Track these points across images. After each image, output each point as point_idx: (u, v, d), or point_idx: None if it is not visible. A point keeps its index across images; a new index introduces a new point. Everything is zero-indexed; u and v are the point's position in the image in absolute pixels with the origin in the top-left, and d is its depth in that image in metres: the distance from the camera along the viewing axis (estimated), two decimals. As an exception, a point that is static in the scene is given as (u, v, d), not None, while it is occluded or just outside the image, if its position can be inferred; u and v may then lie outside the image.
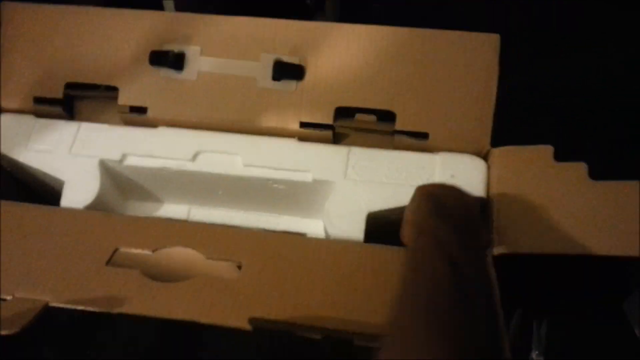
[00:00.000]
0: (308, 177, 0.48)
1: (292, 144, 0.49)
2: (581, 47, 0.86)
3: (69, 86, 0.52)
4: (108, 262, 0.41)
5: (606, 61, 0.85)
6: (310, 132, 0.50)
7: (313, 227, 0.53)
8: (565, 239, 0.45)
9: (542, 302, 0.58)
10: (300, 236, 0.47)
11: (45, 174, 0.50)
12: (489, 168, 0.48)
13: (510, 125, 0.51)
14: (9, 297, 0.39)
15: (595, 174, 0.47)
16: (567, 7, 0.91)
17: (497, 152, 0.48)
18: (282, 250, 0.43)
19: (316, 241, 0.45)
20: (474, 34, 0.51)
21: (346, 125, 0.51)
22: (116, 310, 0.38)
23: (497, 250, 0.43)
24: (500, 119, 0.50)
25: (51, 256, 0.42)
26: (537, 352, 0.56)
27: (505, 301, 0.40)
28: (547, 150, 0.47)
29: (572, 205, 0.46)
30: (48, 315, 0.38)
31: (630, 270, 0.59)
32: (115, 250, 0.42)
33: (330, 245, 0.44)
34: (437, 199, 0.38)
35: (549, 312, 0.58)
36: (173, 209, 0.55)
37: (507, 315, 0.50)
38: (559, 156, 0.47)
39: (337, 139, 0.52)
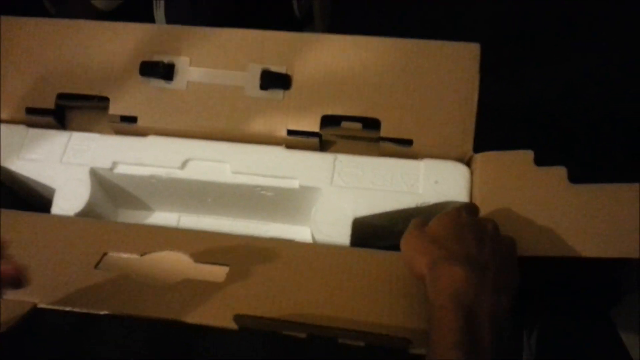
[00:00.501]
0: (295, 184, 0.49)
1: (279, 152, 0.50)
2: (560, 55, 0.88)
3: (61, 97, 0.53)
4: (97, 266, 0.42)
5: (584, 69, 0.87)
6: (298, 139, 0.52)
7: (301, 234, 0.54)
8: (547, 242, 0.46)
9: (532, 311, 0.59)
10: (288, 241, 0.48)
11: (36, 183, 0.51)
12: (471, 173, 0.49)
13: (492, 131, 0.52)
14: None
15: (575, 178, 0.48)
16: (546, 17, 0.93)
17: (479, 157, 0.49)
18: (270, 254, 0.43)
19: (303, 245, 0.46)
20: (455, 44, 0.52)
21: (332, 132, 0.52)
22: (104, 311, 0.38)
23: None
24: (482, 126, 0.51)
25: (40, 260, 0.43)
26: (528, 361, 0.56)
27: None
28: (528, 155, 0.49)
29: (552, 208, 0.47)
30: (37, 318, 0.38)
31: (618, 277, 0.60)
32: (104, 254, 0.43)
33: (316, 249, 0.45)
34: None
35: (539, 320, 0.58)
36: (163, 217, 0.56)
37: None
38: (540, 161, 0.48)
39: (323, 147, 0.53)
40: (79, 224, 0.47)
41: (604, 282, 0.59)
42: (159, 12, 1.00)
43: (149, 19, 1.01)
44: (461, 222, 0.39)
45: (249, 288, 0.41)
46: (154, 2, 1.00)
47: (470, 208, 0.42)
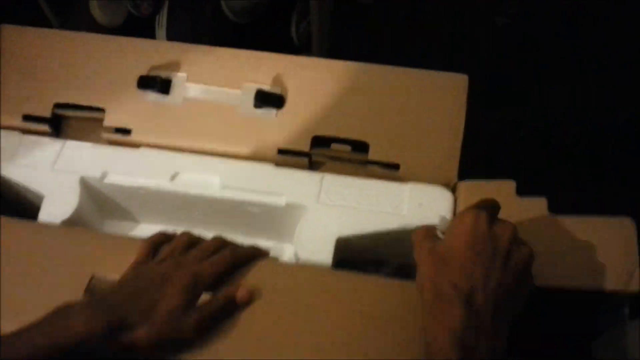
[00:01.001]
0: (282, 201, 0.50)
1: (268, 168, 0.51)
2: (545, 86, 0.91)
3: (58, 106, 0.54)
4: (85, 291, 0.43)
5: (569, 100, 0.89)
6: (288, 158, 0.53)
7: (287, 251, 0.55)
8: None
9: (512, 343, 0.59)
10: (272, 260, 0.48)
11: (26, 189, 0.51)
12: (455, 200, 0.50)
13: (477, 160, 0.53)
14: None
15: (555, 209, 0.49)
16: (530, 49, 0.96)
17: (463, 185, 0.51)
18: (253, 274, 0.44)
19: (286, 266, 0.46)
20: (444, 74, 0.54)
21: (322, 153, 0.53)
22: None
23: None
24: (468, 153, 0.52)
25: (26, 281, 0.43)
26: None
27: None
28: (510, 185, 0.50)
29: (532, 238, 0.48)
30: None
31: (599, 310, 0.60)
32: (92, 277, 0.44)
33: (299, 271, 0.45)
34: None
35: (518, 353, 0.58)
36: (149, 229, 0.56)
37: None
38: (522, 190, 0.50)
39: (313, 167, 0.54)
40: (65, 235, 0.47)
41: (584, 315, 0.59)
42: (161, 32, 1.02)
43: (151, 37, 1.04)
44: (477, 234, 0.37)
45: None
46: (157, 22, 1.02)
47: (491, 207, 0.41)
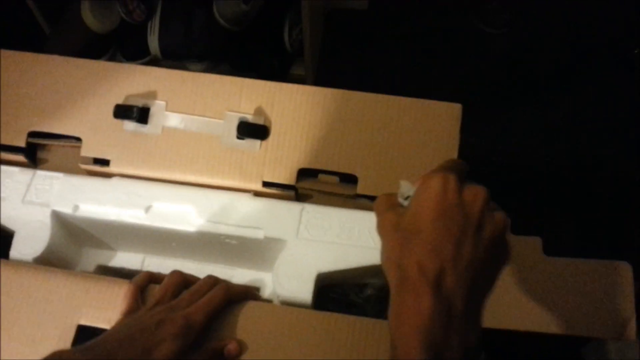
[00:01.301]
0: (260, 234, 0.48)
1: (246, 199, 0.49)
2: (537, 117, 0.88)
3: (33, 134, 0.52)
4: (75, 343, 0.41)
5: (567, 135, 0.87)
6: (273, 191, 0.51)
7: (266, 281, 0.53)
8: (516, 315, 0.45)
9: (504, 348, 0.58)
10: (251, 301, 0.46)
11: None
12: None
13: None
14: None
15: (550, 249, 0.47)
16: (518, 75, 0.94)
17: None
18: (233, 312, 0.42)
19: (266, 307, 0.44)
20: (437, 103, 0.52)
21: (309, 186, 0.51)
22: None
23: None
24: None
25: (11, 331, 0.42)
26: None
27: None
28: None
29: (525, 280, 0.46)
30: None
31: (584, 353, 0.59)
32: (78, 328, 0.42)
33: (280, 312, 0.43)
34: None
35: (511, 357, 0.57)
36: (127, 258, 0.54)
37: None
38: (516, 229, 0.48)
39: (299, 200, 0.52)
40: (45, 278, 0.45)
41: (570, 356, 0.58)
42: (153, 38, 1.00)
43: (143, 43, 1.01)
44: (446, 202, 0.32)
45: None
46: (149, 28, 0.99)
47: (459, 169, 0.35)
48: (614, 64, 0.93)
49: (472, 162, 0.50)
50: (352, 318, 0.43)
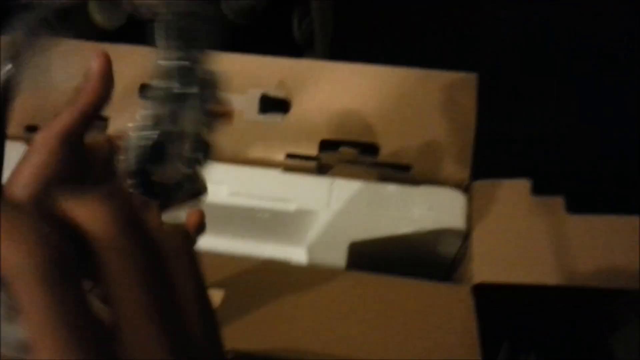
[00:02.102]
0: (291, 207, 0.49)
1: (276, 174, 0.50)
2: (560, 84, 0.89)
3: (60, 116, 0.53)
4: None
5: (585, 98, 0.88)
6: (296, 163, 0.52)
7: (297, 255, 0.53)
8: (541, 271, 0.46)
9: (530, 335, 0.58)
10: (284, 263, 0.48)
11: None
12: (469, 201, 0.49)
13: (491, 160, 0.52)
14: None
15: (573, 208, 0.48)
16: (545, 49, 0.95)
17: (477, 185, 0.49)
18: (266, 278, 0.43)
19: (299, 269, 0.45)
20: (453, 74, 0.53)
21: (331, 157, 0.52)
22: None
23: (477, 279, 0.44)
24: (481, 153, 0.51)
25: None
26: (523, 385, 0.56)
27: (493, 333, 0.41)
28: (525, 184, 0.49)
29: (549, 238, 0.47)
30: None
31: (618, 306, 0.60)
32: None
33: (312, 273, 0.44)
34: None
35: (537, 345, 0.58)
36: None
37: (494, 349, 0.50)
38: (538, 190, 0.49)
39: (321, 171, 0.53)
40: None
41: (603, 309, 0.59)
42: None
43: (151, 41, 1.03)
44: None
45: (244, 316, 0.40)
46: (157, 24, 1.01)
47: None
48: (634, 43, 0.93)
49: (489, 142, 0.51)
50: (386, 277, 0.44)
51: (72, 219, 0.17)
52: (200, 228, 0.29)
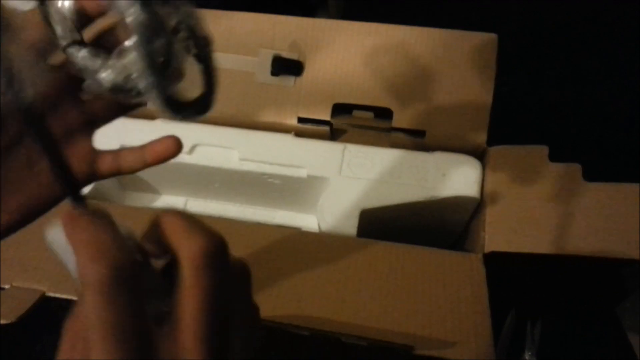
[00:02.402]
0: (303, 173, 0.48)
1: (288, 139, 0.50)
2: (579, 50, 0.86)
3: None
4: None
5: (605, 65, 0.84)
6: (308, 127, 0.51)
7: (307, 221, 0.54)
8: (557, 239, 0.45)
9: (537, 303, 0.59)
10: (295, 229, 0.48)
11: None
12: (484, 167, 0.48)
13: (508, 125, 0.51)
14: (7, 286, 0.40)
15: (590, 176, 0.47)
16: (567, 11, 0.91)
17: (493, 151, 0.48)
18: (276, 244, 0.43)
19: (310, 234, 0.45)
20: (472, 34, 0.51)
21: (343, 121, 0.51)
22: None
23: (489, 248, 0.43)
24: (498, 118, 0.50)
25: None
26: (530, 352, 0.56)
27: (500, 300, 0.41)
28: (543, 150, 0.47)
29: (565, 206, 0.46)
30: (45, 306, 0.39)
31: (625, 274, 0.59)
32: None
33: (323, 239, 0.44)
34: None
35: (544, 313, 0.58)
36: (170, 200, 0.55)
37: (501, 315, 0.50)
38: (555, 157, 0.47)
39: (334, 135, 0.52)
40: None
41: (610, 279, 0.59)
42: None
43: None
44: None
45: (254, 283, 0.40)
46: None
47: None
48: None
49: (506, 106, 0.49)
50: (397, 245, 0.44)
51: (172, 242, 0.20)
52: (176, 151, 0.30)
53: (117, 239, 0.20)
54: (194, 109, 0.26)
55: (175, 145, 0.31)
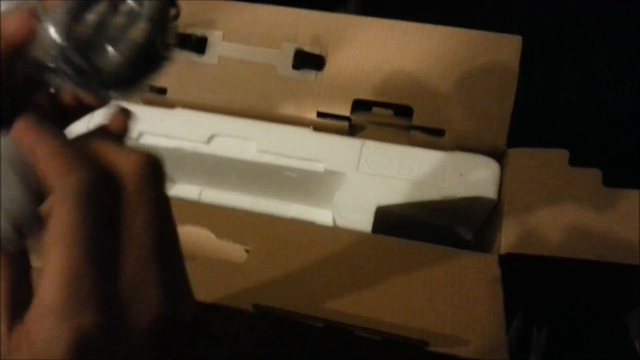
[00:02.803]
0: (320, 167, 0.48)
1: (306, 133, 0.50)
2: (604, 53, 0.85)
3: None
4: None
5: (629, 70, 0.84)
6: (327, 122, 0.51)
7: (322, 216, 0.54)
8: (573, 244, 0.45)
9: (544, 308, 0.58)
10: (310, 223, 0.48)
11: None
12: (503, 169, 0.48)
13: (528, 127, 0.50)
14: None
15: (610, 182, 0.46)
16: (592, 12, 0.90)
17: (512, 153, 0.48)
18: (291, 236, 0.43)
19: (324, 229, 0.45)
20: (496, 35, 0.50)
21: (363, 117, 0.51)
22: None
23: (505, 250, 0.43)
24: (519, 120, 0.49)
25: None
26: (534, 357, 0.56)
27: (507, 304, 0.40)
28: (563, 154, 0.47)
29: (583, 211, 0.46)
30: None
31: (634, 283, 0.59)
32: None
33: (338, 234, 0.44)
34: None
35: (551, 318, 0.58)
36: (185, 189, 0.56)
37: (508, 318, 0.50)
38: (575, 161, 0.47)
39: (353, 131, 0.52)
40: None
41: (619, 286, 0.58)
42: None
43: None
44: None
45: (268, 273, 0.40)
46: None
47: None
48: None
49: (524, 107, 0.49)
50: (412, 243, 0.43)
51: (109, 160, 0.21)
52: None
53: (81, 150, 0.20)
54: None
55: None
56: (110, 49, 0.22)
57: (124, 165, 0.21)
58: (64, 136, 0.21)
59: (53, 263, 0.19)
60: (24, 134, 0.20)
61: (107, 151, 0.21)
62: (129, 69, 0.22)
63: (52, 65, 0.22)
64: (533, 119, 0.56)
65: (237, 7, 0.53)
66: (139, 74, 0.23)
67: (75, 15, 0.21)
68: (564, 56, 0.86)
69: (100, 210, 0.20)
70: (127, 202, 0.20)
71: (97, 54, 0.22)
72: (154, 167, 0.21)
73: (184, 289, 0.23)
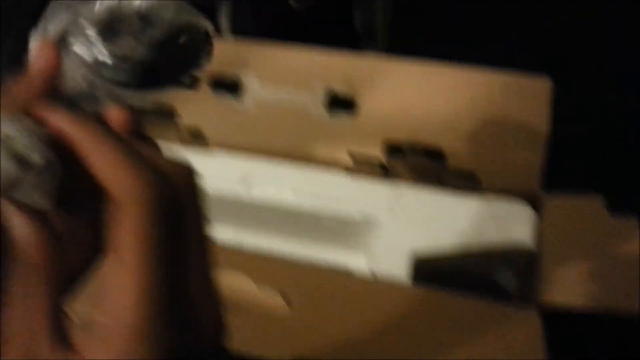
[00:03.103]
0: (354, 212, 0.48)
1: (340, 178, 0.50)
2: (631, 88, 0.85)
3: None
4: None
5: None
6: (360, 166, 0.51)
7: (356, 259, 0.53)
8: (612, 297, 0.44)
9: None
10: (348, 274, 0.47)
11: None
12: (539, 216, 0.47)
13: (564, 170, 0.50)
14: None
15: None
16: (623, 47, 0.90)
17: (547, 200, 0.47)
18: (331, 287, 0.43)
19: (364, 280, 0.45)
20: (526, 77, 0.50)
21: (395, 161, 0.51)
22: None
23: (543, 302, 0.42)
24: (554, 163, 0.49)
25: None
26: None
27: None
28: (598, 200, 0.46)
29: (622, 263, 0.45)
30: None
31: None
32: None
33: (378, 286, 0.44)
34: None
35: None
36: (217, 231, 0.56)
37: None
38: (612, 203, 0.46)
39: (386, 174, 0.52)
40: None
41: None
42: (224, 19, 1.01)
43: (213, 23, 1.03)
44: None
45: (310, 324, 0.40)
46: (219, 8, 1.01)
47: None
48: None
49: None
50: (451, 296, 0.43)
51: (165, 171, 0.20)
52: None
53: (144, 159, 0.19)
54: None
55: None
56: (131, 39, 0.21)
57: (179, 176, 0.20)
58: (129, 142, 0.19)
59: (128, 278, 0.18)
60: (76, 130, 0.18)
61: (161, 161, 0.20)
62: (159, 56, 0.21)
63: (84, 86, 0.21)
64: (564, 154, 0.55)
65: (270, 50, 0.54)
66: (171, 63, 0.22)
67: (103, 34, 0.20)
68: (599, 95, 0.85)
69: (170, 224, 0.19)
70: (186, 214, 0.19)
71: (121, 42, 0.21)
72: (199, 178, 0.21)
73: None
